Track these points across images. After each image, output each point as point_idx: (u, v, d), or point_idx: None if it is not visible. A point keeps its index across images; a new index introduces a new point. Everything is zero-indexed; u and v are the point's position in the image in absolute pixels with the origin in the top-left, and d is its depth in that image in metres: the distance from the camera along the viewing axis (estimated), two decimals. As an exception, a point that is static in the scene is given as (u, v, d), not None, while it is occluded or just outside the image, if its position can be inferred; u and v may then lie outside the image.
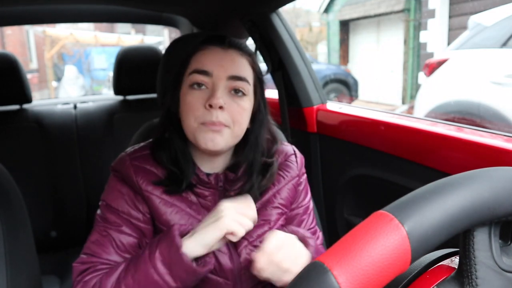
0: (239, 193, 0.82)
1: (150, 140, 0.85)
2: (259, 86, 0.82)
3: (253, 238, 0.81)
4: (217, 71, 0.75)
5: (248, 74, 0.79)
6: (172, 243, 0.70)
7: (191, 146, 0.82)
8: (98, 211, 0.81)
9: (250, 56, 0.81)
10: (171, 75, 0.82)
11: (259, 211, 0.83)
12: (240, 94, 0.77)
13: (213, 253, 0.78)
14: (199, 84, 0.76)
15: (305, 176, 0.93)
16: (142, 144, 0.85)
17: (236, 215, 0.71)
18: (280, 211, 0.85)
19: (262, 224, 0.82)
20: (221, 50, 0.77)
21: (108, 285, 0.71)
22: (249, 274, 0.82)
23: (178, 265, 0.68)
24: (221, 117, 0.74)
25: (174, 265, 0.69)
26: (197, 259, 0.73)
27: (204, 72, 0.75)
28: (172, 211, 0.78)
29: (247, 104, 0.78)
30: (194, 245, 0.70)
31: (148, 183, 0.78)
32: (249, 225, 0.72)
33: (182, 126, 0.79)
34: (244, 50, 0.80)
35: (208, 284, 0.79)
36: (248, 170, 0.82)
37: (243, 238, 0.80)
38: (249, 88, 0.79)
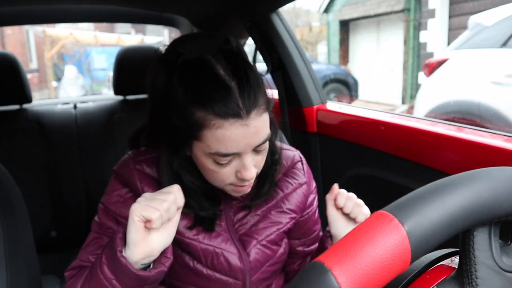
0: (243, 199, 0.81)
1: None
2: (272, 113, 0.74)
3: (262, 237, 0.81)
4: (244, 148, 0.66)
5: (268, 125, 0.69)
6: (112, 246, 0.65)
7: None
8: (96, 217, 0.80)
9: (265, 102, 0.68)
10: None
11: (267, 214, 0.83)
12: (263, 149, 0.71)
13: (221, 254, 0.77)
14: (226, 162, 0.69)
15: (315, 193, 0.92)
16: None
17: (145, 200, 0.64)
18: (290, 215, 0.85)
19: (270, 226, 0.82)
20: (241, 124, 0.64)
21: None
22: (259, 274, 0.81)
23: (119, 269, 0.64)
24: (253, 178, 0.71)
25: (117, 269, 0.64)
26: (155, 262, 0.68)
27: (230, 154, 0.67)
28: None
29: (267, 149, 0.73)
30: (129, 247, 0.64)
31: (153, 191, 0.75)
32: (165, 205, 0.63)
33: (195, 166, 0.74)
34: (260, 104, 0.66)
35: (217, 284, 0.79)
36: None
37: (252, 237, 0.80)
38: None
